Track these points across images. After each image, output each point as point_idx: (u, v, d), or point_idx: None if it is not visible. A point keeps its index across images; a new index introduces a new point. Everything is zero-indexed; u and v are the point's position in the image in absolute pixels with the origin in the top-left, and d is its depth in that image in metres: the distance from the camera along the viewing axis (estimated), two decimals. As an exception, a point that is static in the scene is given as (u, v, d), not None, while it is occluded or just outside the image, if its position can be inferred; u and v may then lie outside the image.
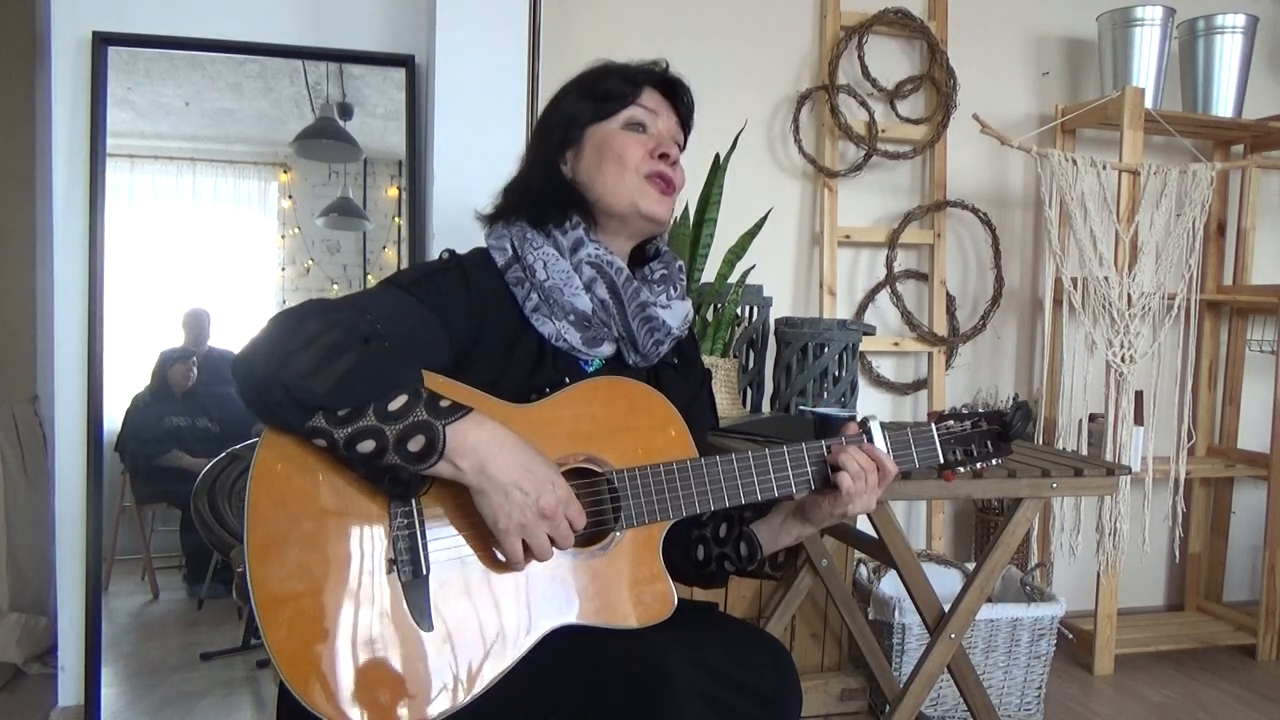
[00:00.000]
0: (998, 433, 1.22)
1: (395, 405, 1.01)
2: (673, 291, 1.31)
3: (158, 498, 2.38)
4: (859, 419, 1.21)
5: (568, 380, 1.18)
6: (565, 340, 1.22)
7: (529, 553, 1.05)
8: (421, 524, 1.06)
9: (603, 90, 1.25)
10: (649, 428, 1.18)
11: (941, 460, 1.21)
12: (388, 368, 1.03)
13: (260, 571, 1.01)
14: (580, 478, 1.14)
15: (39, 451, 2.67)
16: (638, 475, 1.14)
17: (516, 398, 1.16)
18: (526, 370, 1.20)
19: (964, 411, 1.23)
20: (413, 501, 1.06)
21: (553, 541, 1.06)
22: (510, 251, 1.23)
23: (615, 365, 1.27)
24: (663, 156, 1.24)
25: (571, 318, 1.21)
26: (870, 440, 1.18)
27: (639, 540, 1.15)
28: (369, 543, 1.05)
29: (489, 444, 1.02)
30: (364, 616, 1.03)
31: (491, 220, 1.30)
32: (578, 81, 1.30)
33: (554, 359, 1.22)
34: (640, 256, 1.35)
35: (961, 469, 1.22)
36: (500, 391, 1.15)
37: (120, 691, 2.19)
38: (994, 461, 1.22)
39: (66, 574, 2.20)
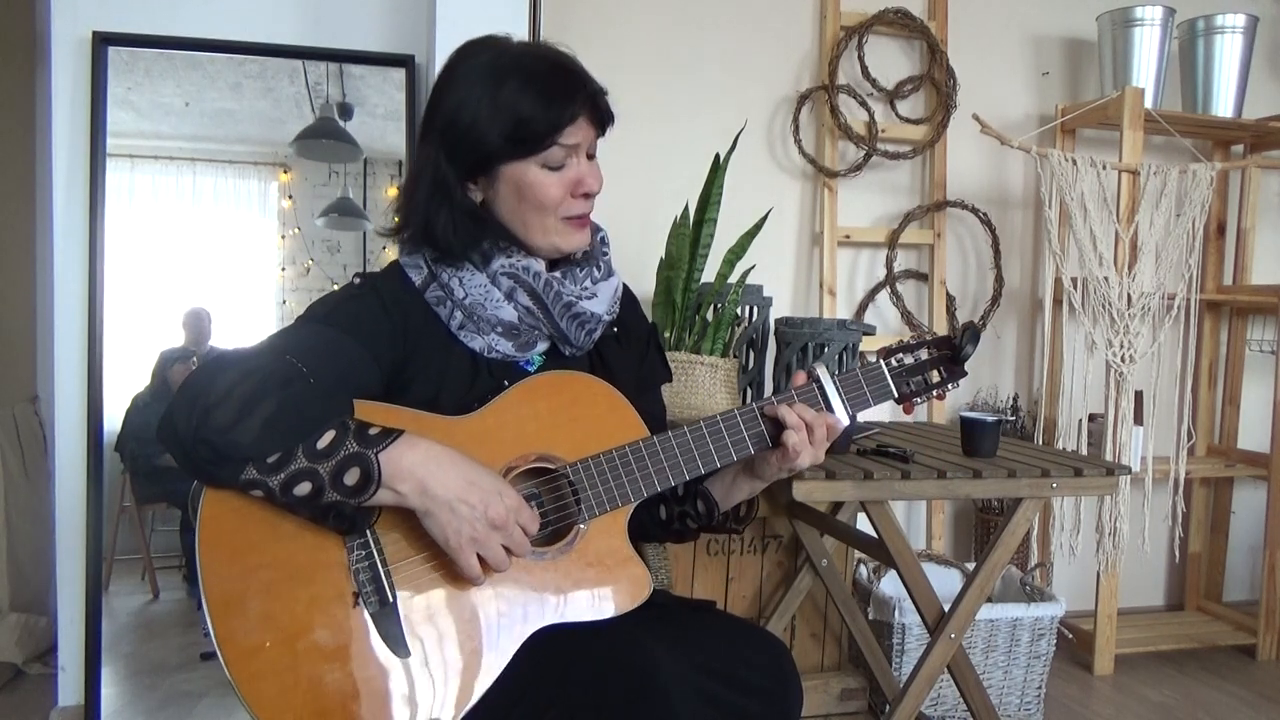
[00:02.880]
0: (949, 357, 1.22)
1: (324, 443, 0.99)
2: (596, 273, 1.26)
3: (158, 498, 2.38)
4: (807, 369, 1.21)
5: (507, 384, 1.17)
6: (498, 351, 1.19)
7: (486, 566, 1.05)
8: (380, 552, 1.05)
9: (523, 133, 1.12)
10: (595, 415, 1.17)
11: (896, 394, 1.21)
12: (309, 406, 1.01)
13: (224, 629, 1.00)
14: (535, 477, 1.14)
15: (39, 451, 2.67)
16: (593, 465, 1.14)
17: (458, 410, 1.14)
18: (464, 384, 1.18)
19: (912, 342, 1.23)
20: (368, 532, 1.05)
21: (509, 551, 1.05)
22: (425, 270, 1.19)
23: (554, 356, 1.25)
24: (584, 196, 1.19)
25: (499, 330, 1.19)
26: (821, 388, 1.18)
27: (605, 528, 1.14)
28: (330, 581, 1.04)
29: (425, 464, 1.01)
30: (339, 654, 1.02)
31: (396, 233, 1.23)
32: (490, 100, 1.12)
33: (489, 369, 1.20)
34: None
35: (918, 399, 1.22)
36: (440, 408, 1.13)
37: (120, 691, 2.19)
38: (949, 386, 1.23)
39: (66, 574, 2.20)
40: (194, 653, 2.29)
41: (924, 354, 1.22)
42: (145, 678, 2.22)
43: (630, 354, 1.34)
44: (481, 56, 1.17)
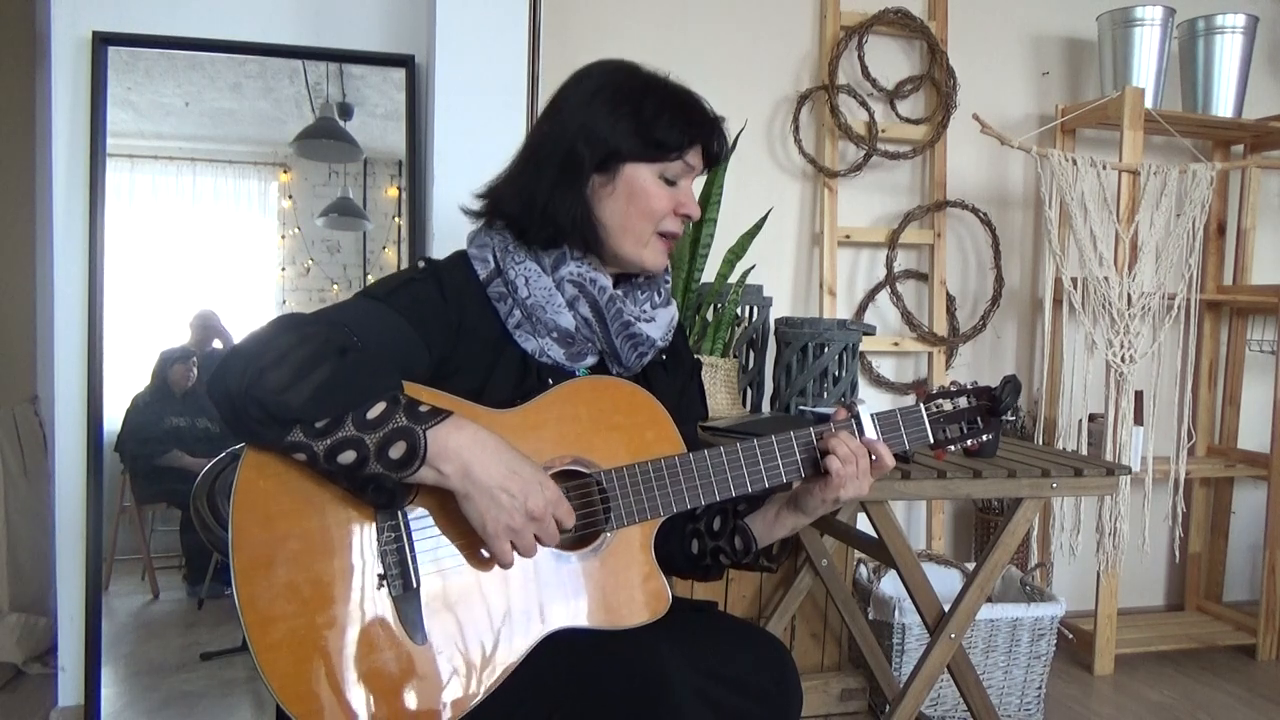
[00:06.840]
0: (987, 408, 1.21)
1: (374, 413, 0.99)
2: (656, 298, 1.29)
3: (158, 498, 2.38)
4: (847, 403, 1.21)
5: (552, 382, 1.17)
6: (549, 356, 1.20)
7: (515, 551, 1.05)
8: (409, 536, 1.05)
9: (657, 138, 1.17)
10: (635, 426, 1.17)
11: (932, 440, 1.20)
12: (364, 377, 1.01)
13: (248, 593, 1.00)
14: (568, 480, 1.14)
15: (39, 451, 2.67)
16: (626, 474, 1.14)
17: (500, 406, 1.14)
18: (511, 384, 1.18)
19: (953, 389, 1.22)
20: (399, 514, 1.05)
21: (538, 539, 1.05)
22: (492, 264, 1.20)
23: (600, 373, 1.25)
24: (684, 217, 1.22)
25: (555, 335, 1.20)
26: (859, 425, 1.18)
27: (631, 539, 1.14)
28: (357, 558, 1.04)
29: (471, 447, 1.01)
30: (356, 633, 1.02)
31: (478, 218, 1.26)
32: (627, 102, 1.18)
33: (538, 373, 1.20)
34: None
35: (953, 447, 1.22)
36: (483, 402, 1.14)
37: (120, 691, 2.19)
38: (985, 437, 1.22)
39: (66, 574, 2.20)
40: (194, 653, 2.29)
41: (963, 402, 1.21)
42: (145, 678, 2.22)
43: (675, 384, 1.34)
44: (623, 71, 1.23)
